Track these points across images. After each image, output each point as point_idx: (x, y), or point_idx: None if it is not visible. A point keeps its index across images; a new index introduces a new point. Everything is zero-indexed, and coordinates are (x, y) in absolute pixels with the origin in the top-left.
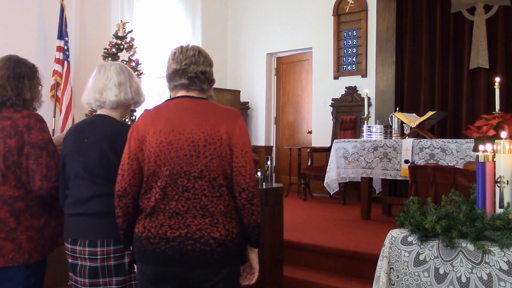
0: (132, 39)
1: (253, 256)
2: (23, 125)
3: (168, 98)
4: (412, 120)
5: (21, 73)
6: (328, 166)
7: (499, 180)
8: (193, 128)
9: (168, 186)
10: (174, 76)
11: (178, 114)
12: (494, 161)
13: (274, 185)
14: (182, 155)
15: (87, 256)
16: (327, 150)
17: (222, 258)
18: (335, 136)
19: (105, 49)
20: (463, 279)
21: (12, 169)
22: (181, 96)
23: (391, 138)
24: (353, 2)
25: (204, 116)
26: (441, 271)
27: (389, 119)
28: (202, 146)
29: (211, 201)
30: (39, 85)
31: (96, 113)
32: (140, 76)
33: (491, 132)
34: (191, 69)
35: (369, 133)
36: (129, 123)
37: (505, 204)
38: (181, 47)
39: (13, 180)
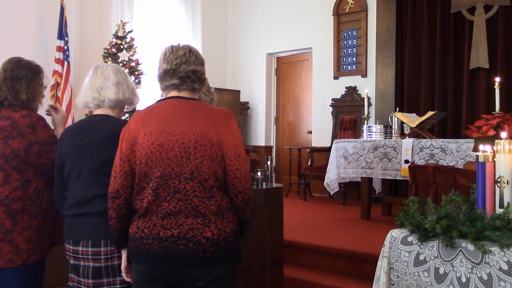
0: (132, 39)
1: None
2: (26, 125)
3: (160, 98)
4: (412, 120)
5: (19, 75)
6: (328, 166)
7: (499, 180)
8: (184, 130)
9: (159, 188)
10: (165, 76)
11: (169, 115)
12: (494, 161)
13: (274, 185)
14: (173, 156)
15: (90, 257)
16: (327, 150)
17: (215, 258)
18: (335, 136)
19: (105, 49)
20: (463, 279)
21: (18, 169)
22: (172, 97)
23: (391, 138)
24: (353, 2)
25: (194, 118)
26: (441, 271)
27: (389, 119)
28: (192, 148)
29: (202, 201)
30: (41, 86)
31: (94, 114)
32: (140, 76)
33: (491, 132)
34: (182, 68)
35: (369, 133)
36: None
37: (505, 204)
38: (172, 47)
39: (17, 181)
